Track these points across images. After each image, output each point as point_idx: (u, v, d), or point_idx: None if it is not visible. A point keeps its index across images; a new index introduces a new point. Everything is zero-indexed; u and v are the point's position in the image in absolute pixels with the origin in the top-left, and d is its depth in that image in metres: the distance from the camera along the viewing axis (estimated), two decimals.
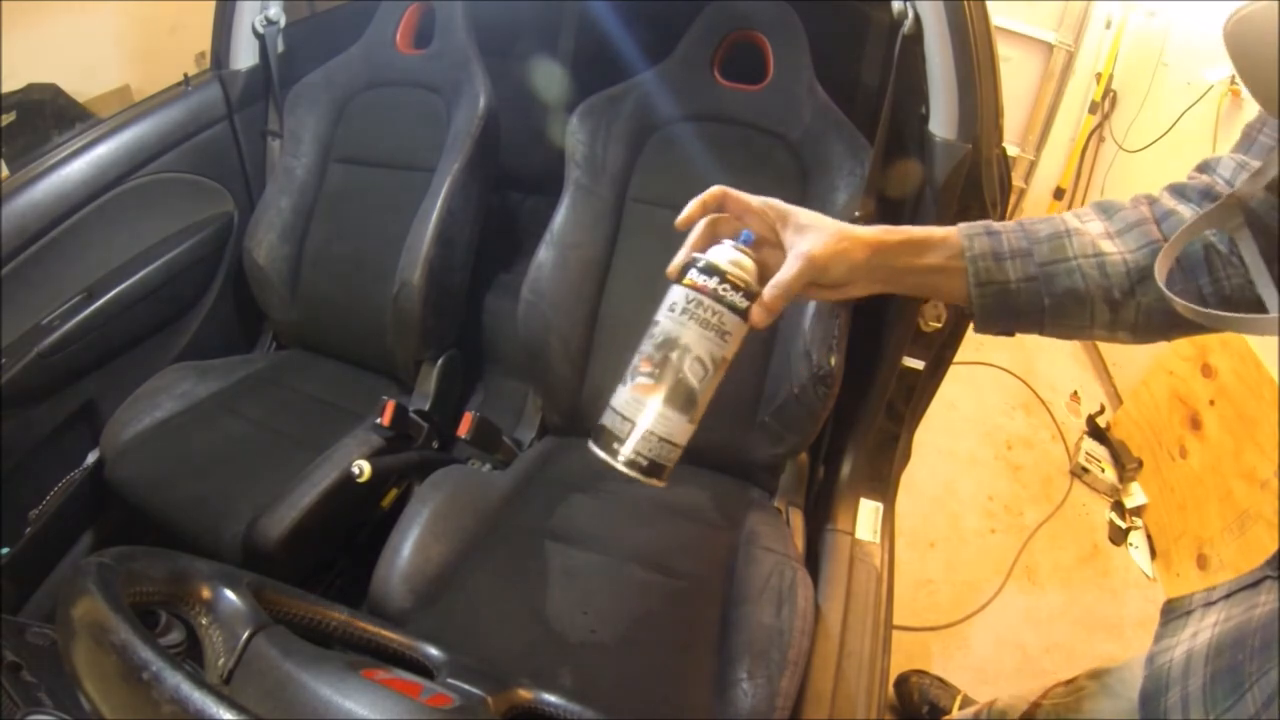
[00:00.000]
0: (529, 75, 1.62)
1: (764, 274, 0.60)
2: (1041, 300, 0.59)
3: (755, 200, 0.62)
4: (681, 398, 0.57)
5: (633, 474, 0.57)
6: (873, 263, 0.60)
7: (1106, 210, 0.62)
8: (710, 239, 0.62)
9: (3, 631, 0.63)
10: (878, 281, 0.61)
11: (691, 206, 0.62)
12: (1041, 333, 0.61)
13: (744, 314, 0.57)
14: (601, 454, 0.58)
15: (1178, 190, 0.60)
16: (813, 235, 0.60)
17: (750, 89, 1.23)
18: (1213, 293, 0.57)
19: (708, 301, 0.56)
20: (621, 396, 0.58)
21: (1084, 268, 0.58)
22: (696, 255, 0.58)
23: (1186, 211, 0.58)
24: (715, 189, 0.62)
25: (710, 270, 0.56)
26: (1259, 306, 0.52)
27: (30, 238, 1.17)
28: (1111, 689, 0.74)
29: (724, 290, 0.56)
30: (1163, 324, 0.58)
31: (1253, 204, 0.53)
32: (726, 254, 0.58)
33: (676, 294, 0.58)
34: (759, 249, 0.62)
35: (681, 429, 0.58)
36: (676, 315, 0.57)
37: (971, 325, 0.64)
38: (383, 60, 1.44)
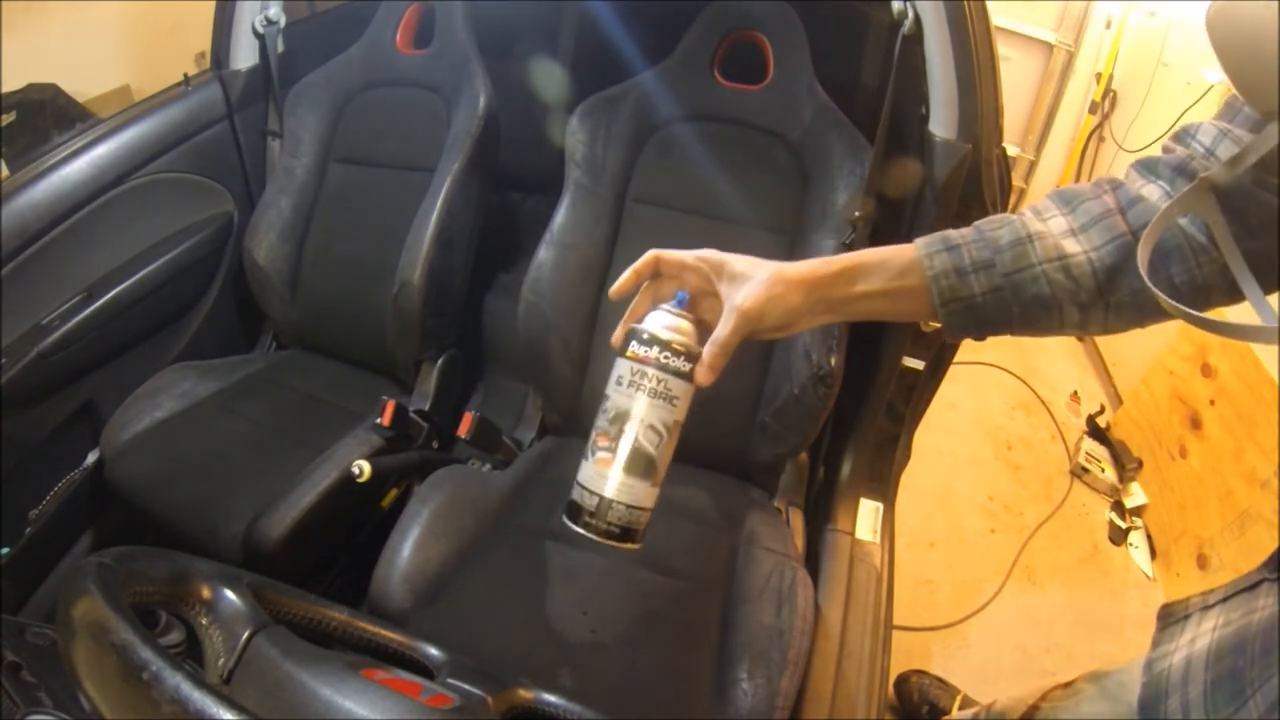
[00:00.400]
0: (529, 75, 1.62)
1: (707, 328, 0.60)
2: (1009, 309, 0.58)
3: (689, 256, 0.62)
4: (641, 466, 0.59)
5: (608, 542, 0.59)
6: (810, 300, 0.59)
7: (1069, 201, 0.60)
8: (649, 305, 0.62)
9: (3, 631, 0.63)
10: (822, 315, 0.60)
11: (625, 277, 0.62)
12: (1010, 334, 0.61)
13: (688, 377, 0.58)
14: (575, 527, 0.60)
15: (1148, 166, 0.58)
16: (744, 287, 0.59)
17: (750, 89, 1.23)
18: (1185, 281, 0.55)
19: (651, 371, 0.58)
20: (586, 472, 0.61)
21: (1049, 273, 0.56)
22: (635, 326, 0.59)
23: (1155, 193, 0.56)
24: (648, 255, 0.62)
25: (650, 341, 0.58)
26: (1234, 293, 0.50)
27: (30, 238, 1.17)
28: (1110, 692, 0.74)
29: (665, 358, 0.57)
30: (1133, 316, 0.57)
31: (1228, 186, 0.50)
32: (663, 320, 0.59)
33: (622, 367, 0.59)
34: (699, 304, 0.62)
35: (645, 493, 0.60)
36: (624, 389, 0.59)
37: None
38: (383, 60, 1.44)
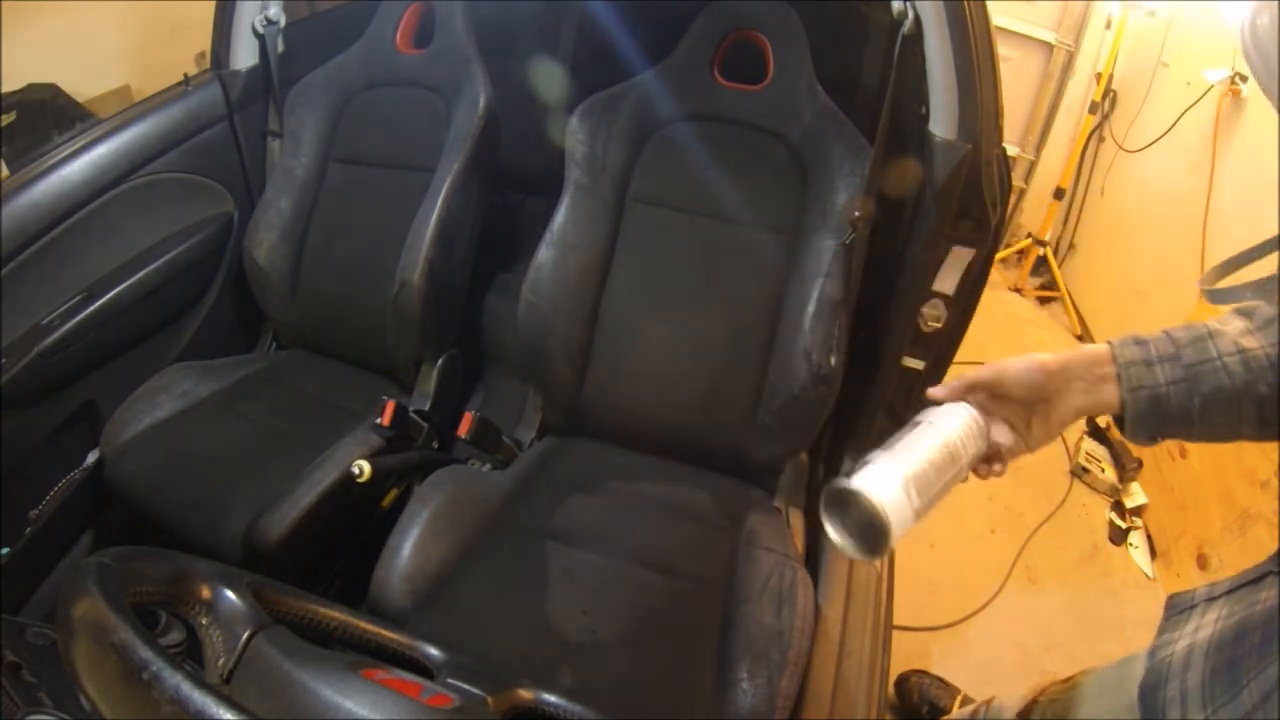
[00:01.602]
0: (529, 75, 1.62)
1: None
2: (1191, 401, 0.61)
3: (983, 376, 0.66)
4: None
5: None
6: (1051, 373, 0.63)
7: (1245, 312, 0.64)
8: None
9: (3, 631, 0.63)
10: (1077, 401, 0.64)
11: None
12: (1189, 437, 0.64)
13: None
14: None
15: None
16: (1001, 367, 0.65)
17: (750, 89, 1.23)
18: None
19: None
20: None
21: (1229, 365, 0.60)
22: None
23: None
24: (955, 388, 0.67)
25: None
26: None
27: (30, 238, 1.17)
28: (1109, 685, 0.74)
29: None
30: None
31: None
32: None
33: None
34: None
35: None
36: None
37: (1121, 428, 0.65)
38: (383, 60, 1.44)
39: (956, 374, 0.71)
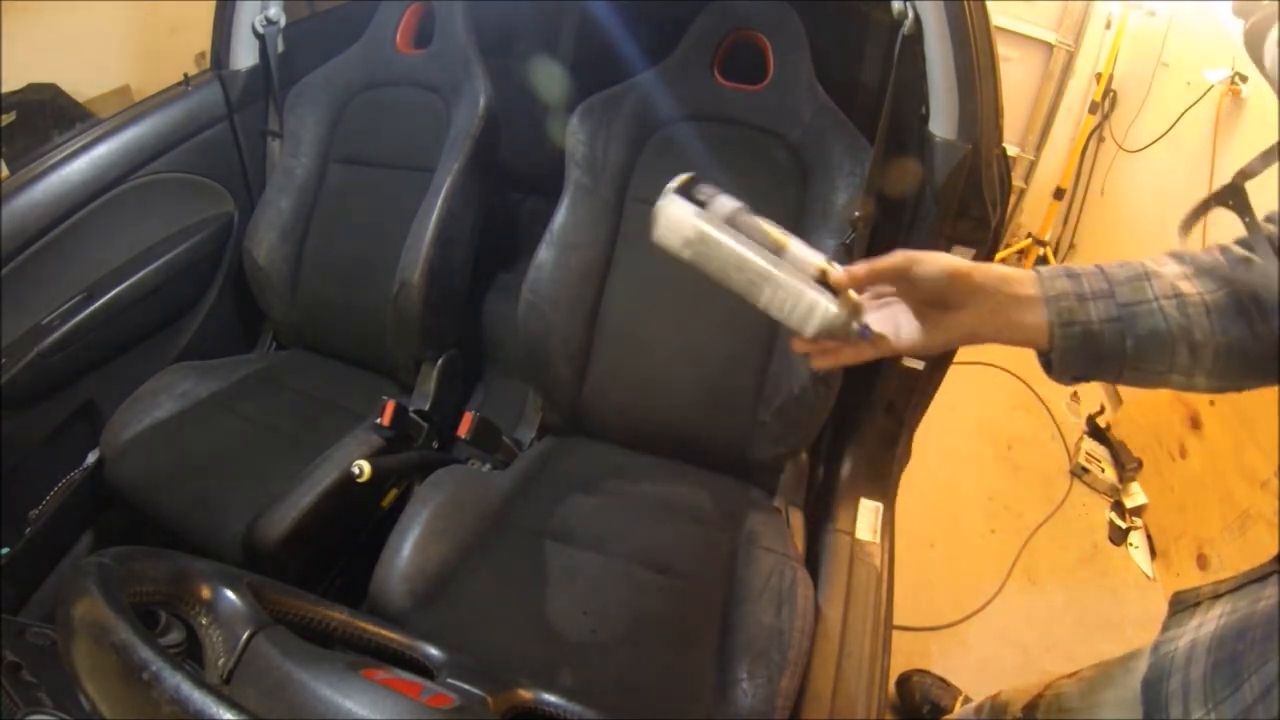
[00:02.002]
0: (529, 75, 1.62)
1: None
2: (1124, 342, 0.58)
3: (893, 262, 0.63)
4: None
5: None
6: (959, 274, 0.59)
7: (1180, 256, 0.62)
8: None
9: (3, 631, 0.63)
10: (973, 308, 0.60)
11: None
12: (1118, 380, 0.60)
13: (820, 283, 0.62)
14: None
15: (1245, 244, 0.60)
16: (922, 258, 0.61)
17: (750, 89, 1.23)
18: None
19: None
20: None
21: (1165, 308, 0.57)
22: None
23: (1257, 260, 0.58)
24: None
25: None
26: None
27: (30, 238, 1.17)
28: (1114, 679, 0.75)
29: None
30: (1238, 368, 0.58)
31: None
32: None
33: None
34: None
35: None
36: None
37: (1046, 367, 0.61)
38: (382, 60, 1.44)
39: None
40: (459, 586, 0.98)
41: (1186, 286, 0.58)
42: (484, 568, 1.02)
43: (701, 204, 0.63)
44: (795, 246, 0.64)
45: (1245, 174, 0.55)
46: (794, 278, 0.62)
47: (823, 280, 0.60)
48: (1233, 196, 0.55)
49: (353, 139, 1.45)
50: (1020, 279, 0.59)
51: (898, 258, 0.61)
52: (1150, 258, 0.61)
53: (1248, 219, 0.55)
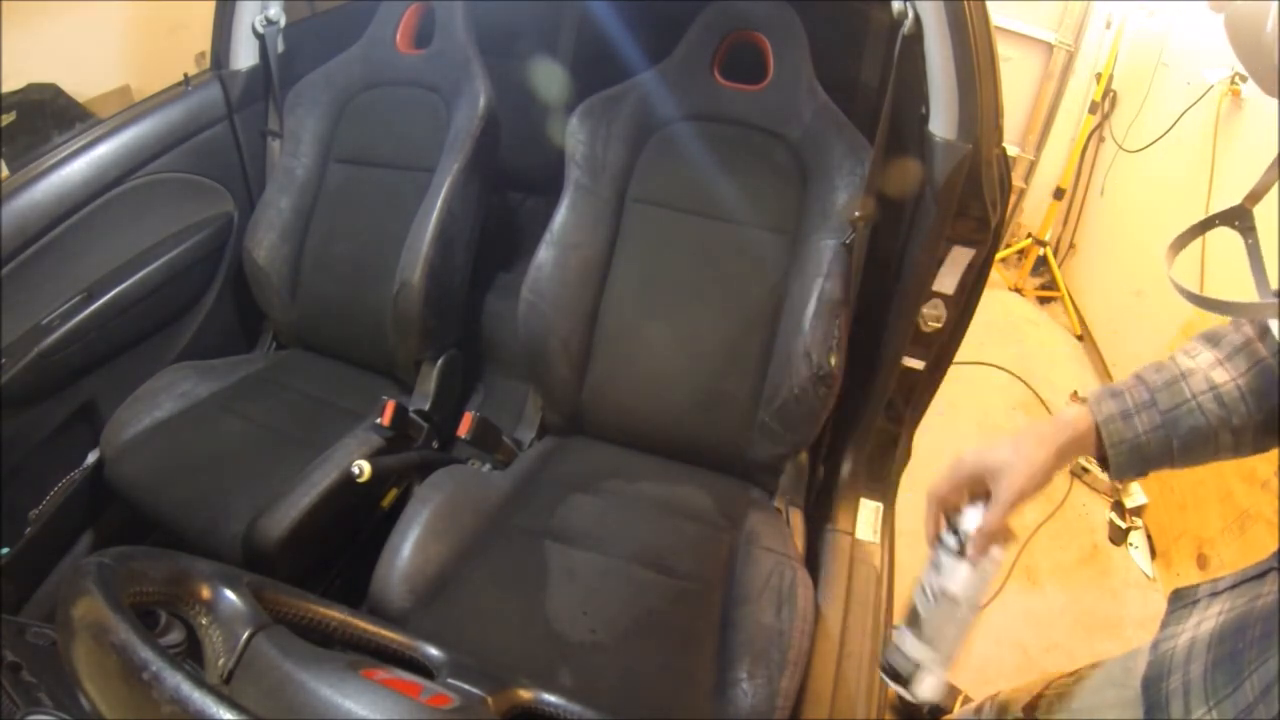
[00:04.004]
0: (529, 75, 1.62)
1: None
2: (1170, 445, 0.64)
3: (957, 477, 0.69)
4: (912, 618, 0.69)
5: (887, 680, 0.69)
6: (1052, 467, 0.65)
7: (1211, 338, 0.66)
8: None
9: (3, 631, 0.63)
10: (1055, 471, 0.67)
11: (927, 524, 0.71)
12: (1171, 468, 0.66)
13: (959, 554, 0.67)
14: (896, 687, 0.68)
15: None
16: (1006, 478, 0.65)
17: (750, 89, 1.23)
18: None
19: (936, 548, 0.69)
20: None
21: (1204, 404, 0.63)
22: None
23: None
24: (930, 503, 0.70)
25: (945, 527, 0.70)
26: None
27: (30, 238, 1.17)
28: (1114, 678, 0.75)
29: (945, 536, 0.69)
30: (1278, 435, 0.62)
31: None
32: (960, 512, 0.69)
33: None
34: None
35: (912, 644, 0.68)
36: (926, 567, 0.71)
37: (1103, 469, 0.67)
38: (383, 60, 1.44)
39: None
40: (459, 586, 0.98)
41: (1220, 376, 0.63)
42: (484, 568, 1.02)
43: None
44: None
45: (1255, 195, 0.56)
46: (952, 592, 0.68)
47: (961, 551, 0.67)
48: (1239, 218, 0.57)
49: (353, 139, 1.45)
50: (1081, 426, 0.65)
51: (945, 492, 0.68)
52: (1184, 349, 0.67)
53: (1251, 241, 0.56)
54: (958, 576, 0.67)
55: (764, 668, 0.88)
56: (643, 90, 1.25)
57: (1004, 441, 0.67)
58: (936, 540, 0.69)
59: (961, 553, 0.67)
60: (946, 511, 0.70)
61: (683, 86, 1.25)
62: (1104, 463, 0.66)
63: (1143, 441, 0.64)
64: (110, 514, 1.32)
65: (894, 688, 0.67)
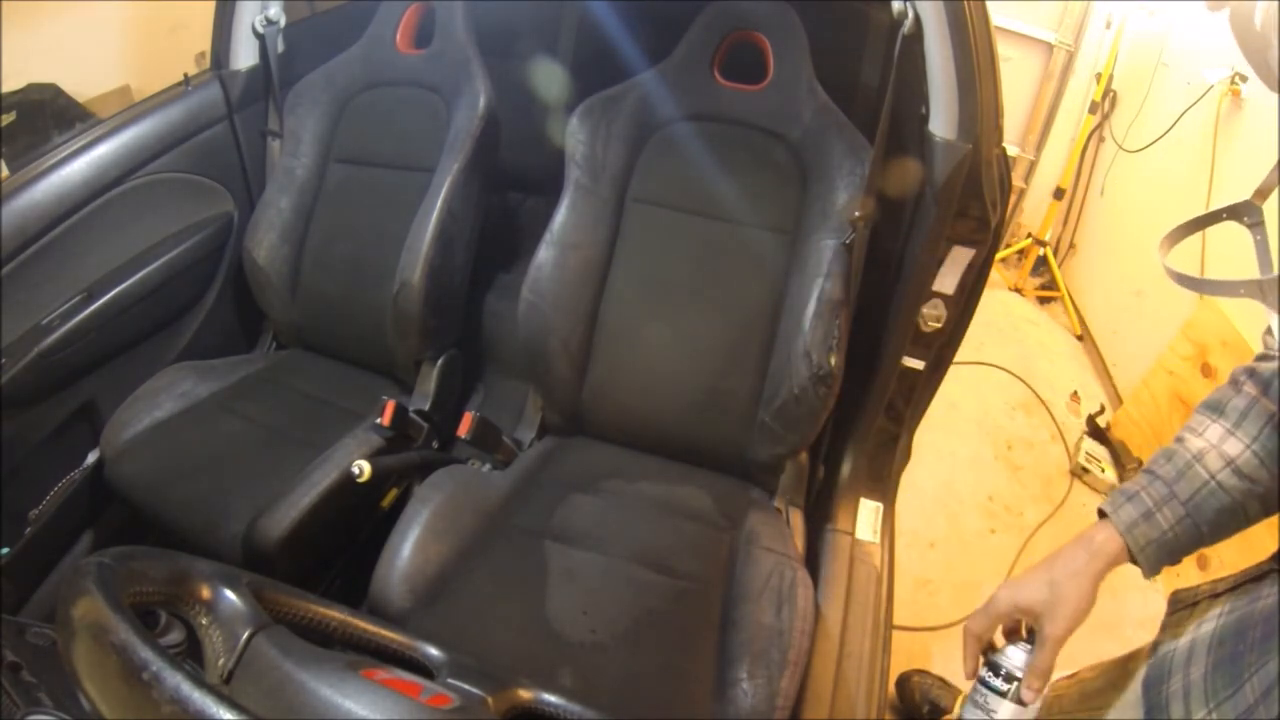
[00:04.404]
0: (529, 75, 1.62)
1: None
2: (1199, 530, 0.63)
3: (993, 616, 0.69)
4: None
5: None
6: (1093, 592, 0.66)
7: (1215, 407, 0.65)
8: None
9: (3, 631, 0.63)
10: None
11: (967, 660, 0.71)
12: (1204, 548, 0.65)
13: (1007, 695, 0.68)
14: None
15: (1264, 358, 0.64)
16: (1050, 620, 0.65)
17: (750, 89, 1.23)
18: None
19: (979, 688, 0.70)
20: None
21: (1224, 482, 0.61)
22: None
23: None
24: (969, 641, 0.70)
25: (985, 664, 0.71)
26: None
27: (30, 238, 1.17)
28: (1115, 681, 0.75)
29: (989, 677, 0.70)
30: None
31: None
32: (1001, 649, 0.70)
33: (968, 695, 0.72)
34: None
35: None
36: (965, 705, 0.72)
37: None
38: (383, 60, 1.44)
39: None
40: (459, 586, 0.98)
41: (1233, 448, 0.62)
42: (484, 568, 1.02)
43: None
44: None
45: (1263, 192, 0.56)
46: None
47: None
48: (1247, 213, 0.56)
49: (353, 139, 1.45)
50: (1082, 561, 0.65)
51: (985, 630, 0.69)
52: (1190, 428, 0.66)
53: (1260, 237, 0.56)
54: (1005, 713, 0.68)
55: (764, 668, 0.88)
56: (643, 90, 1.25)
57: (1037, 578, 0.67)
58: (980, 679, 0.70)
59: (1007, 694, 0.68)
60: (984, 650, 0.71)
61: (683, 86, 1.25)
62: (1132, 558, 0.66)
63: (1170, 537, 0.63)
64: (110, 514, 1.32)
65: None
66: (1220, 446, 0.62)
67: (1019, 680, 0.68)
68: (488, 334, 1.67)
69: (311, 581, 1.25)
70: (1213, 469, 0.62)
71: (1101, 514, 0.68)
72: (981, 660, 0.70)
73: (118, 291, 1.26)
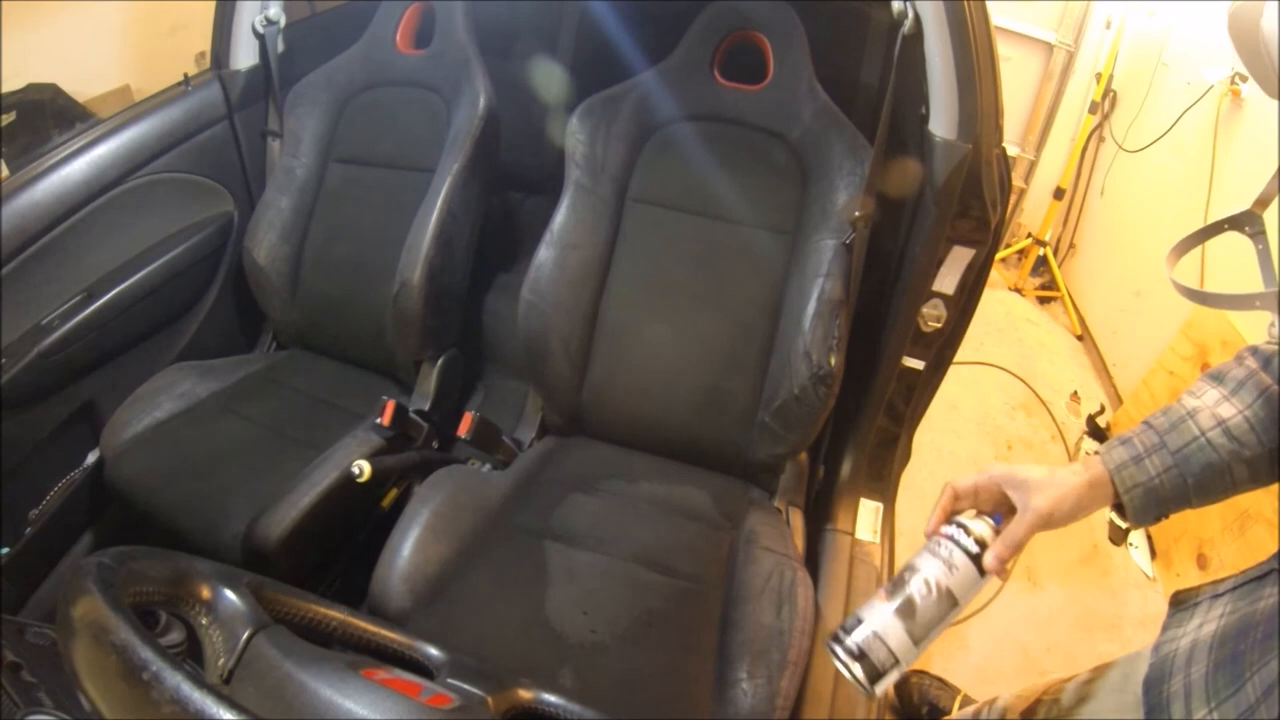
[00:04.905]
0: (529, 75, 1.62)
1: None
2: (1185, 484, 0.64)
3: (980, 479, 0.69)
4: (905, 609, 0.65)
5: (847, 665, 0.64)
6: (1088, 497, 0.66)
7: (1216, 376, 0.66)
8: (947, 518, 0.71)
9: (3, 631, 0.63)
10: (1088, 507, 0.67)
11: (935, 516, 0.70)
12: (1189, 507, 0.67)
13: (974, 558, 0.66)
14: (831, 643, 0.66)
15: (1268, 344, 0.65)
16: (1038, 492, 0.65)
17: (750, 89, 1.23)
18: None
19: (944, 542, 0.67)
20: (864, 607, 0.68)
21: (1213, 440, 0.63)
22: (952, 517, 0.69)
23: None
24: (946, 490, 0.70)
25: (953, 524, 0.68)
26: None
27: (30, 238, 1.17)
28: (1114, 683, 0.75)
29: (958, 534, 0.67)
30: None
31: None
32: (971, 517, 0.68)
33: (928, 544, 0.69)
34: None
35: (899, 637, 0.64)
36: (919, 553, 0.68)
37: (1122, 517, 0.68)
38: (383, 60, 1.44)
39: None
40: (459, 586, 0.98)
41: (1227, 410, 0.63)
42: (484, 568, 1.02)
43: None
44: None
45: (1263, 201, 0.57)
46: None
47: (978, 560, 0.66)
48: (1248, 223, 0.57)
49: (353, 139, 1.45)
50: (1078, 467, 0.66)
51: (965, 491, 0.69)
52: (1189, 391, 0.67)
53: (1261, 246, 0.56)
54: (964, 578, 0.65)
55: (764, 668, 0.88)
56: (643, 90, 1.25)
57: (1036, 467, 0.67)
58: (945, 535, 0.67)
59: (976, 557, 0.65)
60: (957, 510, 0.70)
61: (683, 86, 1.25)
62: (1121, 510, 0.67)
63: (1156, 484, 0.64)
64: (110, 514, 1.32)
65: (848, 672, 0.64)
66: (1214, 408, 0.64)
67: (985, 548, 0.66)
68: (488, 334, 1.67)
69: (311, 581, 1.25)
70: (1204, 426, 0.63)
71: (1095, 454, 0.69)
72: (953, 521, 0.69)
73: (118, 291, 1.26)
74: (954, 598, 0.65)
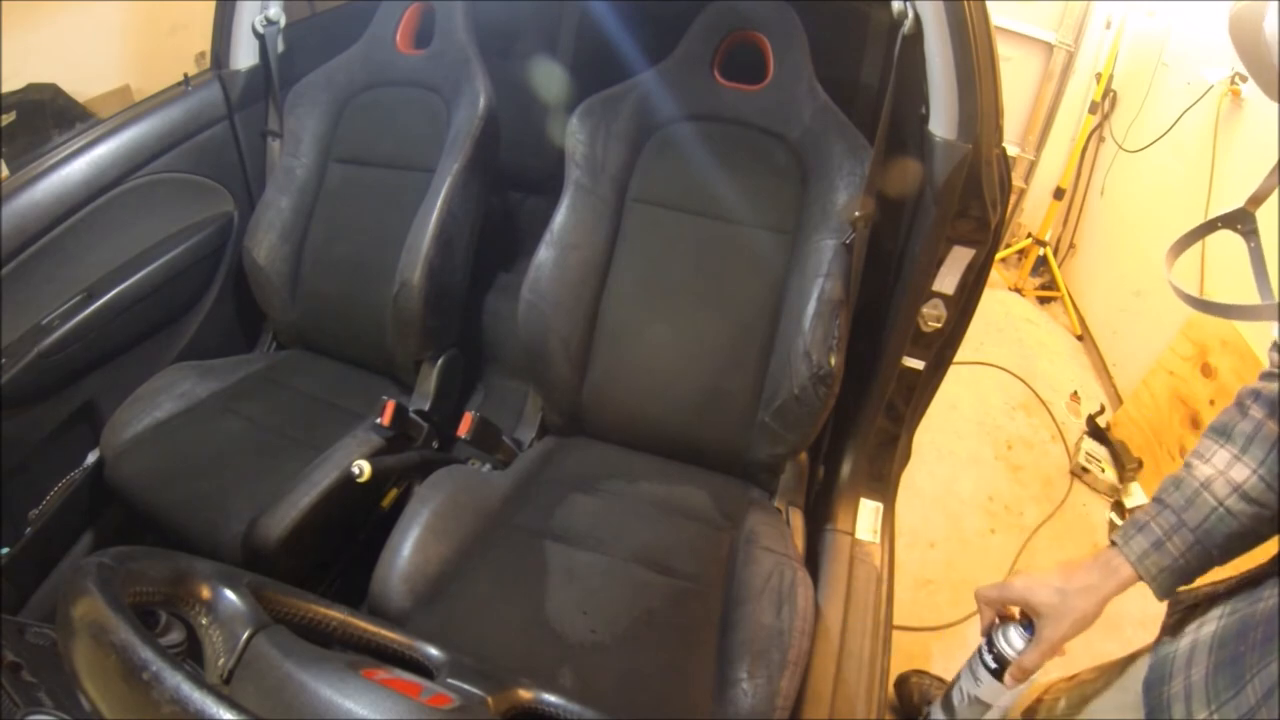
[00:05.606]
0: (529, 75, 1.62)
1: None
2: (1209, 554, 0.64)
3: (1008, 598, 0.74)
4: (945, 704, 0.87)
5: None
6: (1097, 612, 0.68)
7: (1223, 431, 0.66)
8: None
9: (3, 631, 0.63)
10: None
11: (982, 620, 0.79)
12: (1220, 565, 0.67)
13: (994, 674, 0.76)
14: None
15: (1269, 376, 0.65)
16: (1051, 624, 0.68)
17: (750, 89, 1.23)
18: None
19: (977, 653, 0.79)
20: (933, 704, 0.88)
21: (1231, 507, 0.62)
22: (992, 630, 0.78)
23: None
24: (982, 606, 0.78)
25: (994, 628, 0.77)
26: None
27: (30, 238, 1.17)
28: (1114, 683, 0.75)
29: (984, 650, 0.78)
30: None
31: None
32: (1004, 629, 0.76)
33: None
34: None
35: None
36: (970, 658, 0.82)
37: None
38: (383, 60, 1.44)
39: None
40: (459, 586, 0.98)
41: (1240, 473, 0.62)
42: (484, 568, 1.02)
43: None
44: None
45: (1257, 199, 0.56)
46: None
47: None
48: (1241, 221, 0.57)
49: (353, 139, 1.45)
50: (1096, 577, 0.67)
51: (994, 600, 0.75)
52: (1197, 453, 0.67)
53: (1254, 244, 0.56)
54: (990, 690, 0.75)
55: (764, 668, 0.88)
56: (643, 90, 1.25)
57: (1050, 584, 0.68)
58: (984, 643, 0.76)
59: (997, 674, 0.73)
60: (991, 621, 0.76)
61: (683, 86, 1.25)
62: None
63: (1181, 564, 0.64)
64: (110, 514, 1.32)
65: None
66: (1227, 473, 0.62)
67: (1008, 664, 0.73)
68: (488, 334, 1.67)
69: (311, 581, 1.25)
70: (1220, 495, 0.62)
71: (1113, 545, 0.69)
72: (996, 625, 0.75)
73: (118, 291, 1.26)
74: (983, 703, 0.77)
